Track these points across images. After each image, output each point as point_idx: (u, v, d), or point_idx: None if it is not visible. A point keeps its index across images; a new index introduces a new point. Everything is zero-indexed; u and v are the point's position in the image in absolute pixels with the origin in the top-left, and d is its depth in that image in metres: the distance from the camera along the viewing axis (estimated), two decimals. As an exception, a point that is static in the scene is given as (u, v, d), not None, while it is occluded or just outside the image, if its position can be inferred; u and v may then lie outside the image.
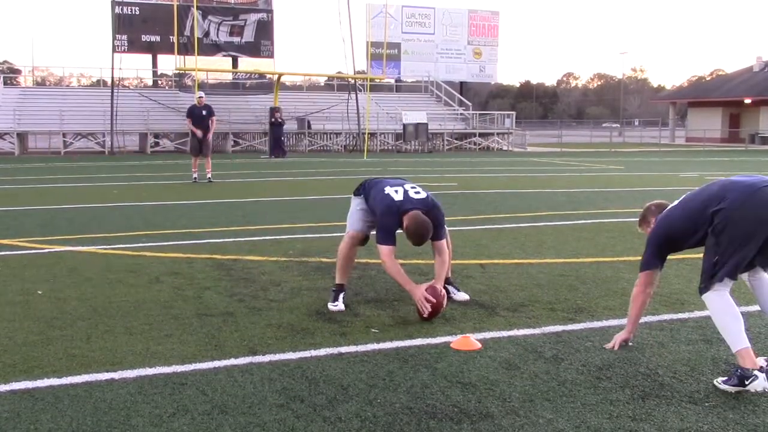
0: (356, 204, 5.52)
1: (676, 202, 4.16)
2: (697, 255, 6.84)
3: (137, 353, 4.17)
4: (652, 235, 4.15)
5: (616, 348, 4.27)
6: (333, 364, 4.01)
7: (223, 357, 4.11)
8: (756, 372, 3.57)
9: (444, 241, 5.30)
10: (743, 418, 3.32)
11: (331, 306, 5.17)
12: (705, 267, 3.79)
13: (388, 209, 5.11)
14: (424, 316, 4.86)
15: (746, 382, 3.56)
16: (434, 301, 4.84)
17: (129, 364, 3.99)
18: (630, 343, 4.34)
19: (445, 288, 5.32)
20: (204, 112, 16.27)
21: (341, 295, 5.26)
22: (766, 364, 3.78)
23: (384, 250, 5.05)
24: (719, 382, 3.67)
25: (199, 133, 16.13)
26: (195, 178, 15.97)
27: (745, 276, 4.01)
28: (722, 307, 3.73)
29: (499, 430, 3.18)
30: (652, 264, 4.13)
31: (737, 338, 3.67)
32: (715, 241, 3.73)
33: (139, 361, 4.04)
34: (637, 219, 4.52)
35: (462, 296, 5.46)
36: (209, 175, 15.98)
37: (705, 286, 3.77)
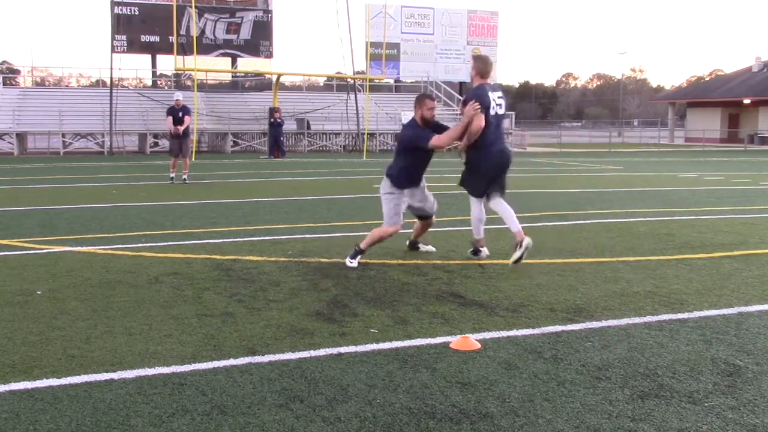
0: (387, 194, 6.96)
1: None
2: (697, 255, 6.86)
3: (136, 353, 4.17)
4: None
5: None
6: (332, 364, 4.01)
7: (223, 357, 4.11)
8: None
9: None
10: (742, 418, 3.32)
11: (347, 262, 6.50)
12: None
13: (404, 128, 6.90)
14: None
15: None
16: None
17: (128, 364, 3.99)
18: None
19: (414, 244, 7.23)
20: (181, 114, 16.40)
21: (359, 257, 6.56)
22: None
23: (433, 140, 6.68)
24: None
25: (173, 128, 16.09)
26: (172, 178, 16.08)
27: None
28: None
29: (498, 430, 3.18)
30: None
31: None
32: None
33: (138, 361, 4.04)
34: None
35: (429, 248, 7.16)
36: (185, 176, 16.04)
37: None
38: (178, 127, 16.14)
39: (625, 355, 4.18)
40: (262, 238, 8.30)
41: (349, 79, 35.22)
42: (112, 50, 31.60)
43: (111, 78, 30.73)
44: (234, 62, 34.92)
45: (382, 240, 6.78)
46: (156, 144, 32.03)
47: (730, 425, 3.24)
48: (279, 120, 27.94)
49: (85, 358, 4.08)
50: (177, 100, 16.73)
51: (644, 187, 15.20)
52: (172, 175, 16.10)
